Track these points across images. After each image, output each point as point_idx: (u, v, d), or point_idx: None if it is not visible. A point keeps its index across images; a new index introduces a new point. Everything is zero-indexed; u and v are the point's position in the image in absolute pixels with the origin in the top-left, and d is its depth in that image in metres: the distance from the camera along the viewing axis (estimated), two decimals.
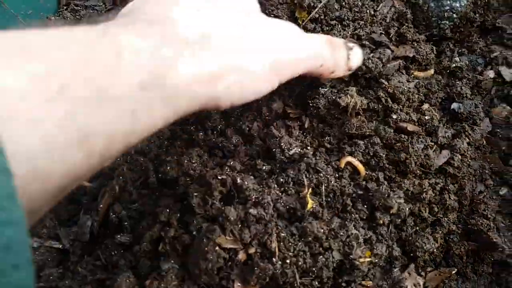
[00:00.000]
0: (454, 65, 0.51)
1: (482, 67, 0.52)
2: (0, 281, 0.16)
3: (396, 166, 0.43)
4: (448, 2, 0.54)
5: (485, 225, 0.45)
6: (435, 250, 0.45)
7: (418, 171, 0.44)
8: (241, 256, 0.35)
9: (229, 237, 0.36)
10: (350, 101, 0.43)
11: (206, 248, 0.36)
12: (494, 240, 0.44)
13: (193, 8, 0.32)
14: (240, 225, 0.35)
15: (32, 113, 0.20)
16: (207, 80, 0.29)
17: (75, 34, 0.25)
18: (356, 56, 0.43)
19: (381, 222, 0.39)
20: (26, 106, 0.20)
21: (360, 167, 0.42)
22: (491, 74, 0.52)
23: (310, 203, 0.36)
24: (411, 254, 0.44)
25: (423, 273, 0.45)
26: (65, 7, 0.64)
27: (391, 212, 0.40)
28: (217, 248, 0.36)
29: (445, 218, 0.45)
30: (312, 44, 0.38)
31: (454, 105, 0.49)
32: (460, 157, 0.47)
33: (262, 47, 0.33)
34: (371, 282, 0.43)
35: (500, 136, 0.50)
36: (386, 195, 0.39)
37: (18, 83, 0.20)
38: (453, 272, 0.45)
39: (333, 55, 0.40)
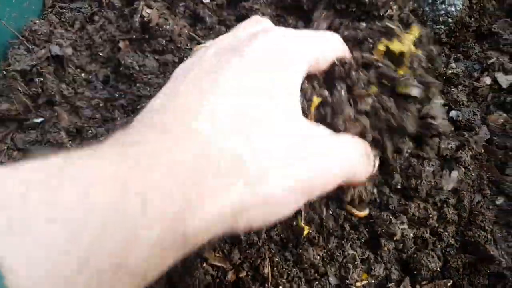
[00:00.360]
0: (450, 71, 0.50)
1: (479, 73, 0.50)
2: None
3: (404, 191, 0.42)
4: (443, 6, 0.53)
5: (483, 237, 0.44)
6: (438, 268, 0.44)
7: (425, 195, 0.43)
8: (231, 276, 0.33)
9: (218, 255, 0.35)
10: None
11: (193, 263, 0.34)
12: (492, 253, 0.43)
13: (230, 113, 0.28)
14: (229, 245, 0.34)
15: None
16: (230, 217, 0.26)
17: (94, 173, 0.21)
18: (377, 163, 0.38)
19: (385, 249, 0.38)
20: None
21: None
22: (487, 80, 0.51)
23: (306, 230, 0.35)
24: (415, 272, 0.43)
25: (418, 287, 0.44)
26: (50, 10, 0.62)
27: (394, 238, 0.39)
28: (204, 264, 0.34)
29: (445, 233, 0.44)
30: (348, 155, 0.33)
31: (453, 113, 0.48)
32: (463, 170, 0.46)
33: (297, 172, 0.29)
34: None
35: (496, 144, 0.49)
36: (388, 222, 0.38)
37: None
38: (449, 284, 0.44)
39: (366, 169, 0.35)
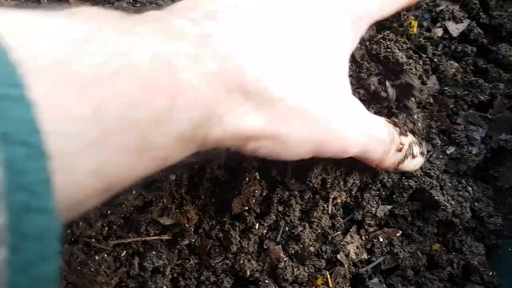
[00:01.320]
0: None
1: (429, 23, 0.49)
2: (27, 271, 0.15)
3: None
4: None
5: (428, 183, 0.43)
6: (384, 215, 0.43)
7: None
8: None
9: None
10: None
11: None
12: (436, 198, 0.42)
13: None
14: None
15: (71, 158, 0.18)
16: (245, 139, 0.28)
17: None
18: (413, 164, 0.40)
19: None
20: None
21: None
22: (439, 32, 0.50)
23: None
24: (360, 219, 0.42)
25: (366, 236, 0.43)
26: None
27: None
28: None
29: (389, 179, 0.43)
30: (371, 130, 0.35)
31: None
32: None
33: (316, 124, 0.30)
34: (312, 247, 0.41)
35: (447, 94, 0.48)
36: None
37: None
38: (398, 234, 0.44)
39: (384, 154, 0.36)
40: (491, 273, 0.42)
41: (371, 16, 0.37)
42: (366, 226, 0.42)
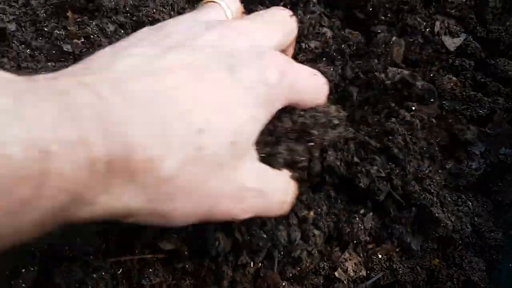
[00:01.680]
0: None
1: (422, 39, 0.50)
2: None
3: None
4: None
5: (428, 200, 0.43)
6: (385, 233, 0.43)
7: None
8: None
9: None
10: None
11: None
12: (437, 215, 0.42)
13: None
14: None
15: None
16: (119, 216, 0.26)
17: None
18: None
19: None
20: None
21: None
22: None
23: None
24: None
25: (364, 253, 0.43)
26: None
27: None
28: None
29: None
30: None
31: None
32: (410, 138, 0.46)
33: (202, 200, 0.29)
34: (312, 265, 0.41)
35: (446, 108, 0.48)
36: None
37: None
38: (397, 249, 0.44)
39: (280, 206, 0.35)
40: None
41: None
42: (363, 243, 0.42)
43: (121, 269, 0.37)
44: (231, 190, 0.30)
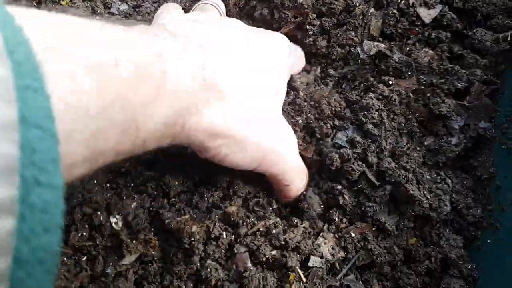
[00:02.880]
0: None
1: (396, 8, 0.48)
2: (31, 240, 0.17)
3: None
4: None
5: (403, 177, 0.42)
6: (358, 210, 0.42)
7: None
8: None
9: None
10: None
11: None
12: (411, 192, 0.41)
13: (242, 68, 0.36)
14: None
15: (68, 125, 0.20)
16: (212, 135, 0.32)
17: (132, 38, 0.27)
18: None
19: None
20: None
21: None
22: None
23: None
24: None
25: (338, 233, 0.41)
26: None
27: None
28: None
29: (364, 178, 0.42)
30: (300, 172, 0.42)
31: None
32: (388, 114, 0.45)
33: (272, 141, 0.38)
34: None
35: (423, 82, 0.46)
36: None
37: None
38: (373, 229, 0.42)
39: (296, 190, 0.42)
40: (470, 266, 0.40)
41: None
42: (337, 223, 0.41)
43: (85, 256, 0.35)
44: (282, 131, 0.40)
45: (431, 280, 0.41)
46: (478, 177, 0.44)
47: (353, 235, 0.41)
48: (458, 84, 0.45)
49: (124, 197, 0.39)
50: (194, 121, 0.30)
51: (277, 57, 0.41)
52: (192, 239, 0.37)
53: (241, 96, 0.34)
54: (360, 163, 0.42)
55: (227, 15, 0.51)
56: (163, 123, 0.27)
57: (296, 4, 0.48)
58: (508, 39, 0.45)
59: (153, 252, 0.37)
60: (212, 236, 0.37)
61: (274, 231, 0.38)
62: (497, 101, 0.45)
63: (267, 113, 0.38)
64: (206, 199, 0.41)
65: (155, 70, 0.26)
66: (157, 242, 0.37)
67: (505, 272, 0.38)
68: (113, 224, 0.36)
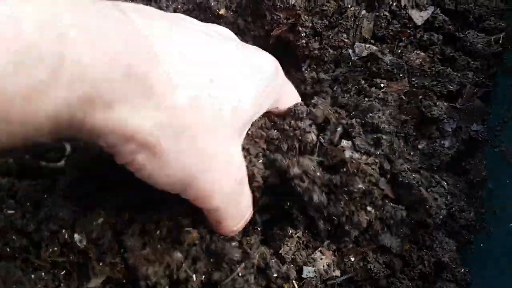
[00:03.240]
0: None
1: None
2: None
3: None
4: None
5: (417, 180, 0.41)
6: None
7: None
8: None
9: None
10: None
11: None
12: (425, 196, 0.39)
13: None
14: None
15: None
16: (125, 138, 0.25)
17: None
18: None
19: None
20: None
21: None
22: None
23: None
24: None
25: (339, 253, 0.41)
26: None
27: None
28: None
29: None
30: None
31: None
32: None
33: (206, 169, 0.29)
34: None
35: (415, 85, 0.46)
36: None
37: None
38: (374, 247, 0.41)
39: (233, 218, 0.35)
40: (463, 270, 0.40)
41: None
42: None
43: (64, 270, 0.34)
44: (223, 157, 0.31)
45: (425, 284, 0.41)
46: (471, 180, 0.44)
47: (352, 259, 0.40)
48: (450, 87, 0.45)
49: (89, 213, 0.36)
50: (102, 118, 0.23)
51: (254, 68, 0.33)
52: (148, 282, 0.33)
53: (179, 99, 0.26)
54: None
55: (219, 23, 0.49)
56: (54, 117, 0.22)
57: (288, 5, 0.48)
58: (500, 41, 0.46)
59: (120, 276, 0.34)
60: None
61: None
62: (489, 104, 0.45)
63: (211, 132, 0.29)
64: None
65: (49, 50, 0.20)
66: (123, 267, 0.34)
67: (498, 276, 0.38)
68: (77, 242, 0.34)
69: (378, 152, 0.41)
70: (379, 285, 0.40)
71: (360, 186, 0.37)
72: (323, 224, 0.38)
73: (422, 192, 0.40)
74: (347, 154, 0.39)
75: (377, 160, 0.40)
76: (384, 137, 0.41)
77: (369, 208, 0.39)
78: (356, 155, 0.40)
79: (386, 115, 0.43)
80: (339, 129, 0.41)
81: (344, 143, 0.40)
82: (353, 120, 0.42)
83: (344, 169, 0.37)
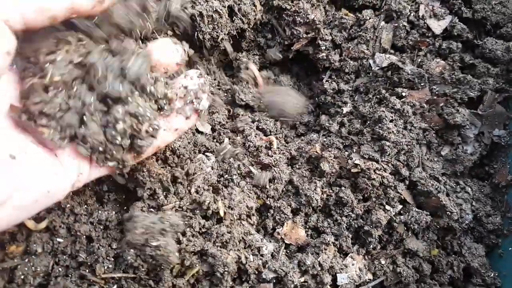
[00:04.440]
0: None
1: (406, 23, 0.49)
2: None
3: None
4: None
5: (435, 187, 0.42)
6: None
7: None
8: None
9: None
10: None
11: None
12: (444, 202, 0.41)
13: None
14: None
15: None
16: None
17: None
18: None
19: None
20: None
21: None
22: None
23: None
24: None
25: (368, 256, 0.42)
26: None
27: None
28: None
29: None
30: None
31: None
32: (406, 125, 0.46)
33: None
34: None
35: (436, 93, 0.47)
36: None
37: None
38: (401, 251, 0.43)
39: None
40: (492, 274, 0.41)
41: None
42: (367, 247, 0.42)
43: (115, 286, 0.36)
44: None
45: None
46: (496, 184, 0.45)
47: (382, 262, 0.41)
48: (471, 93, 0.46)
49: None
50: None
51: None
52: None
53: None
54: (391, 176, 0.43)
55: None
56: None
57: (308, 20, 0.49)
58: None
59: None
60: None
61: None
62: (510, 108, 0.46)
63: None
64: None
65: None
66: None
67: None
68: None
69: (384, 159, 0.43)
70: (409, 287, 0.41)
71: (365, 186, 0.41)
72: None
73: (441, 199, 0.41)
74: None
75: (385, 166, 0.42)
76: (387, 144, 0.43)
77: (387, 207, 0.41)
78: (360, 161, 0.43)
79: (398, 125, 0.44)
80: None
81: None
82: (364, 130, 0.45)
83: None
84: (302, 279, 0.38)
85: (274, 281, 0.38)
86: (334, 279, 0.39)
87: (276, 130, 0.49)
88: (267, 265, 0.38)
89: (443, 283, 0.41)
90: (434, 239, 0.43)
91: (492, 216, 0.43)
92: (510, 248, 0.42)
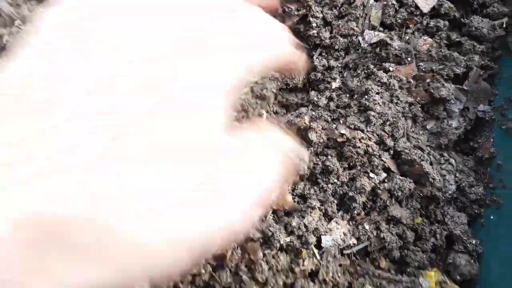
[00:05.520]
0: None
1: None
2: None
3: None
4: None
5: (418, 156, 0.43)
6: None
7: None
8: None
9: None
10: None
11: None
12: (426, 170, 0.42)
13: None
14: None
15: None
16: None
17: None
18: None
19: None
20: None
21: None
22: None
23: None
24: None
25: (352, 221, 0.43)
26: None
27: None
28: None
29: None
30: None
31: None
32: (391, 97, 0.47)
33: None
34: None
35: (423, 69, 0.48)
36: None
37: None
38: (385, 215, 0.44)
39: None
40: (474, 242, 0.42)
41: None
42: (352, 213, 0.43)
43: None
44: None
45: (437, 256, 0.42)
46: (479, 157, 0.46)
47: (366, 227, 0.42)
48: (457, 70, 0.47)
49: None
50: None
51: None
52: None
53: None
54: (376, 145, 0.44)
55: None
56: None
57: None
58: (504, 26, 0.48)
59: None
60: None
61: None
62: (495, 85, 0.47)
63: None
64: None
65: None
66: None
67: (509, 245, 0.40)
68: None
69: (370, 129, 0.44)
70: (393, 256, 0.42)
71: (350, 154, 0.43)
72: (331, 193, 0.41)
73: (424, 167, 0.43)
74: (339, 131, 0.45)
75: (369, 135, 0.43)
76: (372, 114, 0.44)
77: (371, 175, 0.42)
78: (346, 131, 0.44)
79: (384, 98, 0.46)
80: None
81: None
82: (351, 103, 0.46)
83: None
84: (288, 239, 0.39)
85: (261, 241, 0.39)
86: (319, 241, 0.40)
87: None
88: (255, 226, 0.39)
89: (426, 250, 0.42)
90: (417, 208, 0.44)
91: (475, 186, 0.44)
92: (491, 217, 0.43)
